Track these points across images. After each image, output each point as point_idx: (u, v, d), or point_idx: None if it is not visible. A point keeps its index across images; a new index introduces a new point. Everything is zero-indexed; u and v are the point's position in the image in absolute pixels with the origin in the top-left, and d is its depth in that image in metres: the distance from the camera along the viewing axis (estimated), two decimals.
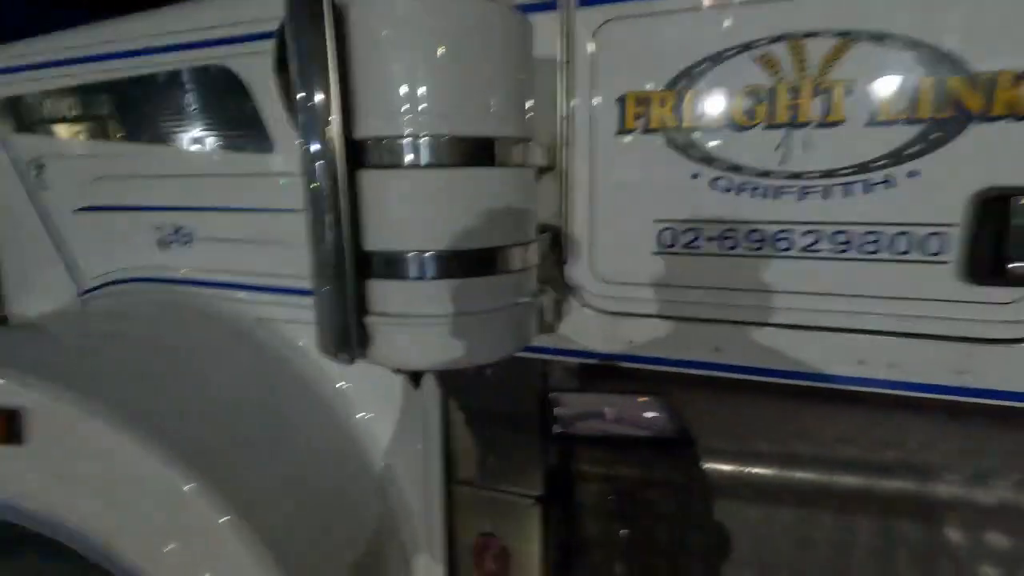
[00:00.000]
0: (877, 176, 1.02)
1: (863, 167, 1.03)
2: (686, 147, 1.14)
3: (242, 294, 1.59)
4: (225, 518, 1.14)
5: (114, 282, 1.73)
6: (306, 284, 1.51)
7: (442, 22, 0.88)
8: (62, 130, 1.77)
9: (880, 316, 1.06)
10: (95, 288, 1.76)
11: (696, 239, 1.17)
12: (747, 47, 1.07)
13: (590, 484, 1.08)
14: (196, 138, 1.57)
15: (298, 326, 1.56)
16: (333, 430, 1.53)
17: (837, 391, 1.11)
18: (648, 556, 1.08)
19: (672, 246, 1.19)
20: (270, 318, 1.58)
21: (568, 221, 1.23)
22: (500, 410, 1.43)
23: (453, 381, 1.44)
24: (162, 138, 1.61)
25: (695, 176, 1.14)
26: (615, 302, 1.24)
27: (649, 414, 1.11)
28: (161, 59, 1.56)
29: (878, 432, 1.06)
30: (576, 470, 1.10)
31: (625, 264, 1.22)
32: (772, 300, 1.13)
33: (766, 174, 1.09)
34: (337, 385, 1.57)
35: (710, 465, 1.01)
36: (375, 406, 1.56)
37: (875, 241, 1.05)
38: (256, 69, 1.42)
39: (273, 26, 1.37)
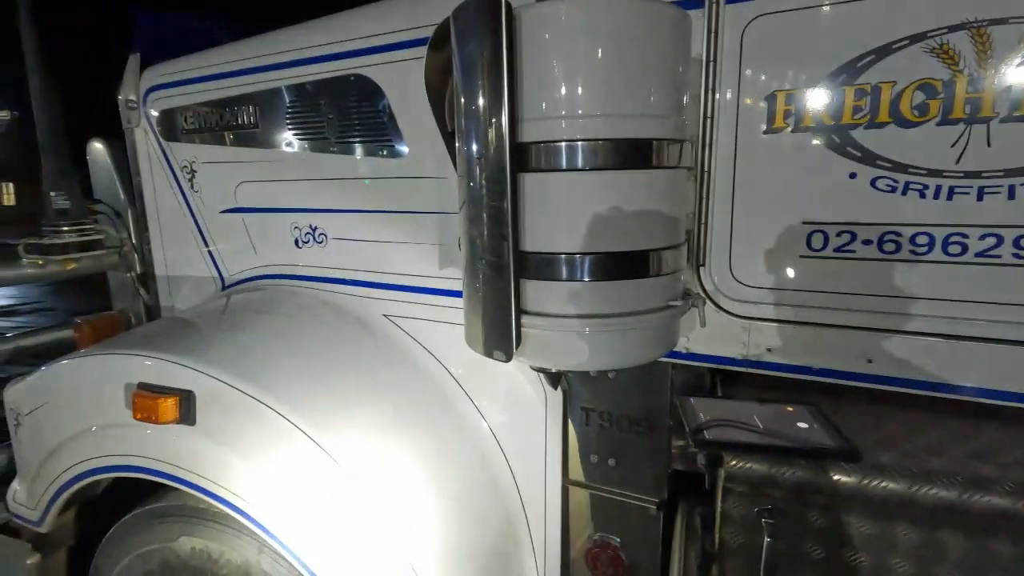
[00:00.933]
0: None
1: None
2: (843, 145, 1.08)
3: (370, 291, 1.68)
4: (367, 497, 1.21)
5: (254, 278, 1.88)
6: (428, 282, 1.60)
7: (606, 26, 0.89)
8: (211, 138, 1.94)
9: None
10: (237, 283, 1.92)
11: (851, 242, 1.10)
12: (920, 37, 1.00)
13: (733, 493, 1.04)
14: (332, 144, 1.67)
15: (420, 322, 1.63)
16: (453, 422, 1.58)
17: (1013, 409, 1.02)
18: (793, 570, 1.03)
19: (822, 249, 1.13)
20: (395, 314, 1.66)
21: (707, 223, 1.20)
22: (624, 413, 1.42)
23: (575, 381, 1.44)
24: (300, 144, 1.72)
25: (853, 176, 1.08)
26: (755, 307, 1.20)
27: (801, 424, 1.06)
28: (301, 71, 1.67)
29: None
30: (712, 477, 1.06)
31: (768, 268, 1.18)
32: (938, 309, 1.05)
33: (938, 173, 1.02)
34: (457, 380, 1.62)
35: (873, 482, 0.95)
36: (493, 401, 1.60)
37: None
38: (393, 77, 1.49)
39: (410, 36, 1.44)
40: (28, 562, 1.61)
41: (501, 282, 0.95)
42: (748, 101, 1.14)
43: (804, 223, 1.13)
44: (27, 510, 1.61)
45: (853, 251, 1.11)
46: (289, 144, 1.76)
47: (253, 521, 1.25)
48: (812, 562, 1.01)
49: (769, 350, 1.21)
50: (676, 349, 1.28)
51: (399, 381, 1.56)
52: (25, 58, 1.87)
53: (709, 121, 1.16)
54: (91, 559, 1.61)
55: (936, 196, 1.03)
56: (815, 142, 1.10)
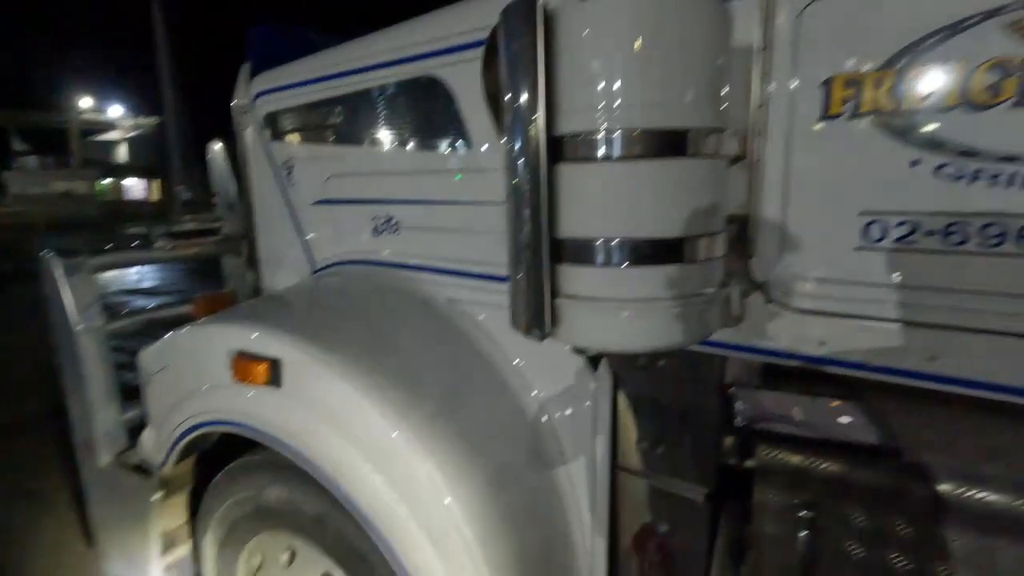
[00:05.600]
0: None
1: None
2: (905, 131, 1.03)
3: (437, 277, 1.81)
4: (427, 465, 1.33)
5: (339, 263, 2.08)
6: (491, 269, 1.69)
7: (640, 21, 0.92)
8: (306, 137, 2.17)
9: None
10: (325, 267, 2.13)
11: (912, 233, 1.05)
12: (995, 12, 0.93)
13: (768, 483, 1.04)
14: (408, 140, 1.81)
15: (482, 307, 1.73)
16: (509, 407, 1.67)
17: None
18: (832, 568, 1.01)
19: (881, 240, 1.08)
20: (458, 299, 1.78)
21: (758, 212, 1.19)
22: (673, 401, 1.43)
23: (625, 368, 1.47)
24: (380, 141, 1.88)
25: (915, 163, 1.03)
26: (807, 299, 1.17)
27: (844, 419, 1.03)
28: (382, 74, 1.83)
29: None
30: (757, 469, 1.06)
31: (821, 259, 1.14)
32: (1009, 306, 0.98)
33: (1012, 159, 0.95)
34: (514, 363, 1.71)
35: (916, 481, 0.91)
36: (548, 388, 1.67)
37: None
38: (461, 77, 1.59)
39: (475, 37, 1.54)
40: (152, 499, 1.91)
41: (537, 266, 1.01)
42: (803, 88, 1.11)
43: (861, 213, 1.09)
44: (153, 455, 1.92)
45: (915, 242, 1.05)
46: (370, 141, 1.93)
47: (324, 476, 1.41)
48: (850, 559, 0.99)
49: (822, 344, 1.17)
50: (725, 340, 1.28)
51: (460, 359, 1.67)
52: (159, 71, 2.19)
53: (762, 109, 1.15)
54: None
55: (1010, 183, 0.96)
56: (874, 129, 1.05)
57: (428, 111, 1.74)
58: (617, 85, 0.93)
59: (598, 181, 0.97)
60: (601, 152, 0.94)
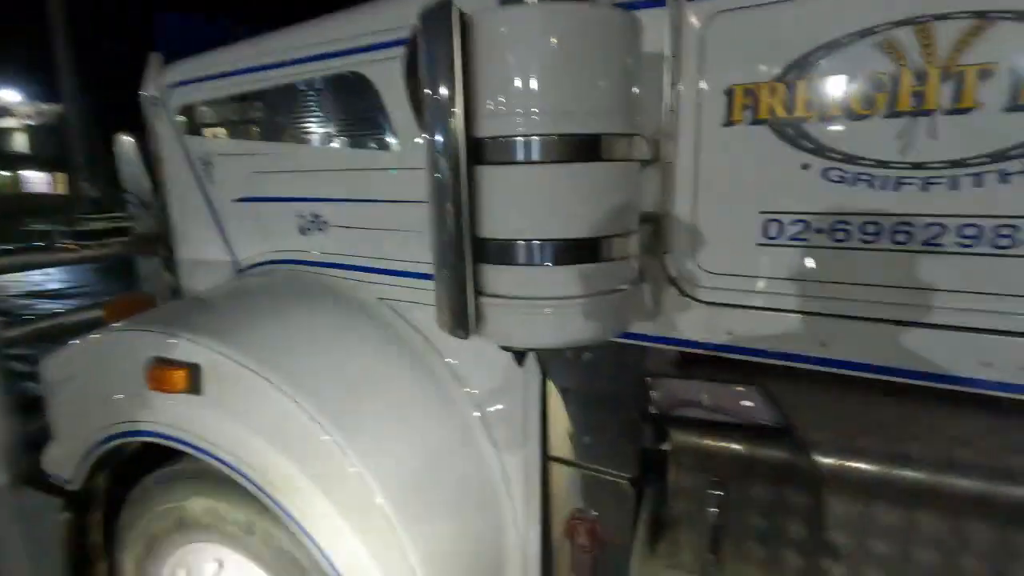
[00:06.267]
0: (1016, 165, 0.96)
1: (999, 155, 0.97)
2: (796, 137, 1.13)
3: (367, 276, 1.79)
4: (357, 467, 1.32)
5: (264, 263, 2.01)
6: (421, 268, 1.70)
7: (552, 31, 0.95)
8: (225, 132, 2.08)
9: (1013, 316, 1.00)
10: (249, 267, 2.06)
11: (804, 231, 1.15)
12: (868, 33, 1.03)
13: (681, 466, 1.11)
14: (331, 137, 1.78)
15: (413, 306, 1.73)
16: (441, 403, 1.68)
17: (951, 393, 1.06)
18: (739, 540, 1.10)
19: (778, 238, 1.18)
20: (389, 298, 1.77)
21: (671, 212, 1.26)
22: (597, 392, 1.49)
23: (553, 361, 1.52)
24: (304, 138, 1.84)
25: (805, 167, 1.13)
26: (716, 292, 1.26)
27: (746, 402, 1.12)
28: (305, 68, 1.78)
29: (998, 438, 1.00)
30: (669, 453, 1.14)
31: (728, 255, 1.23)
32: (886, 295, 1.10)
33: (884, 164, 1.06)
34: (446, 360, 1.72)
35: (807, 456, 1.01)
36: (480, 383, 1.69)
37: (1010, 235, 0.98)
38: (386, 74, 1.58)
39: (401, 35, 1.53)
40: (60, 517, 1.78)
41: (460, 266, 1.03)
42: (708, 95, 1.19)
43: (761, 212, 1.18)
44: (59, 469, 1.79)
45: (807, 239, 1.15)
46: (294, 137, 1.88)
47: (251, 482, 1.38)
48: (756, 533, 1.08)
49: (729, 333, 1.26)
50: (643, 332, 1.35)
51: (390, 356, 1.67)
52: (56, 58, 2.03)
53: (672, 114, 1.22)
54: None
55: (884, 187, 1.07)
56: (770, 134, 1.14)
57: (355, 108, 1.72)
58: (532, 91, 0.96)
59: (517, 183, 1.00)
60: (519, 155, 0.97)
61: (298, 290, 1.83)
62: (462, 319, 1.06)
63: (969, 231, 1.01)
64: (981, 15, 0.94)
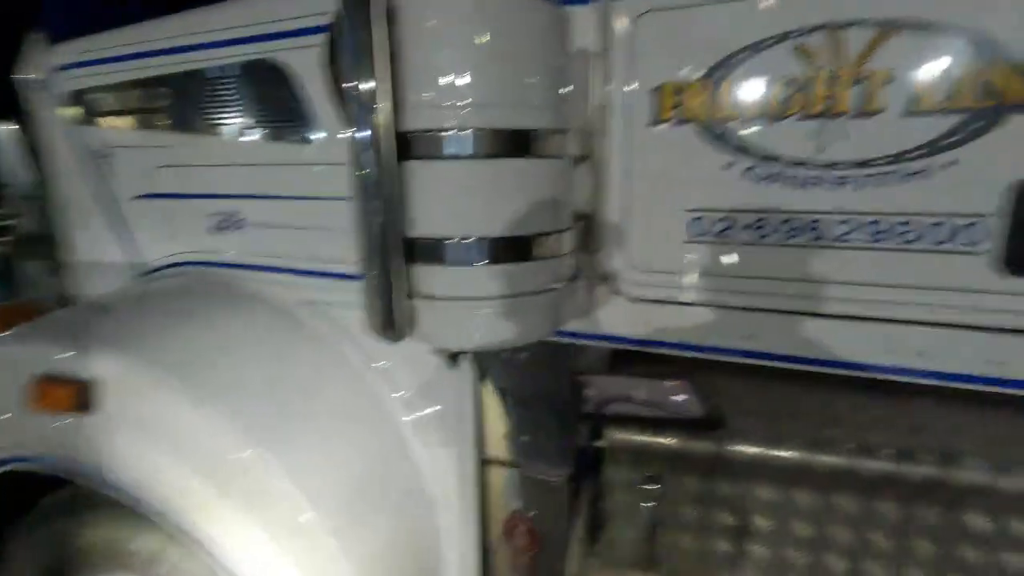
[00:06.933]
0: (915, 166, 1.03)
1: (900, 157, 1.04)
2: (720, 137, 1.16)
3: (289, 277, 1.68)
4: (282, 483, 1.23)
5: (171, 264, 1.85)
6: (348, 269, 1.61)
7: (482, 21, 0.92)
8: (124, 121, 1.88)
9: (913, 306, 1.07)
10: (155, 270, 1.88)
11: (728, 228, 1.19)
12: (785, 37, 1.08)
13: (616, 462, 1.12)
14: (248, 129, 1.65)
15: (339, 309, 1.64)
16: (371, 408, 1.61)
17: (866, 379, 1.13)
18: (673, 532, 1.12)
19: (704, 235, 1.21)
20: (314, 300, 1.67)
21: (602, 209, 1.26)
22: (532, 392, 1.48)
23: (487, 363, 1.49)
24: (216, 129, 1.70)
25: (729, 166, 1.16)
26: (647, 289, 1.27)
27: (677, 397, 1.14)
28: (215, 54, 1.64)
29: (906, 420, 1.07)
30: (604, 450, 1.14)
31: (657, 252, 1.25)
32: (804, 289, 1.15)
33: (801, 164, 1.11)
34: (375, 365, 1.65)
35: (734, 446, 1.04)
36: (410, 385, 1.64)
37: (910, 231, 1.05)
38: (305, 63, 1.49)
39: (321, 21, 1.44)
40: None
41: (388, 267, 0.98)
42: (637, 93, 1.20)
43: (688, 210, 1.21)
44: None
45: (731, 236, 1.19)
46: (205, 128, 1.73)
47: (157, 509, 1.25)
48: (689, 522, 1.10)
49: (660, 329, 1.29)
50: (577, 330, 1.35)
51: (315, 363, 1.58)
52: None
53: (601, 112, 1.22)
54: None
55: (800, 186, 1.12)
56: (696, 133, 1.17)
57: (274, 98, 1.60)
58: (463, 83, 0.93)
59: (447, 180, 0.96)
60: (449, 150, 0.93)
61: (211, 293, 1.69)
62: (392, 322, 1.00)
63: (875, 227, 1.08)
64: (885, 24, 1.00)
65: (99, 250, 1.97)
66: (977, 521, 0.90)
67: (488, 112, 0.95)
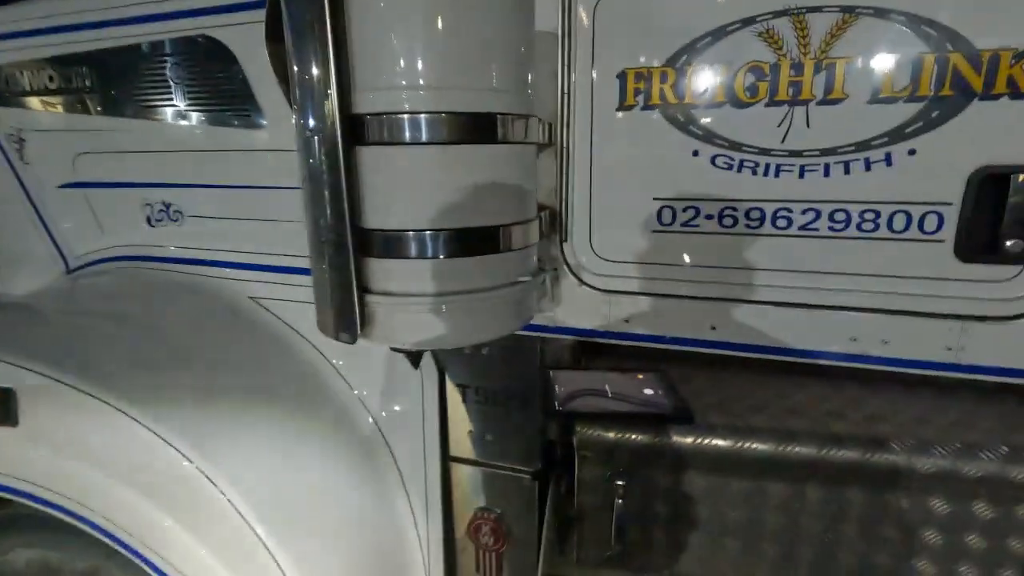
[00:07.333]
0: (877, 154, 1.03)
1: (863, 145, 1.03)
2: (686, 124, 1.13)
3: (234, 272, 1.57)
4: (223, 495, 1.15)
5: (102, 260, 1.70)
6: (299, 263, 1.52)
7: None
8: (42, 103, 1.71)
9: (875, 294, 1.08)
10: (83, 266, 1.73)
11: (695, 217, 1.17)
12: (750, 21, 1.05)
13: (587, 459, 1.09)
14: (184, 112, 1.52)
15: (290, 304, 1.55)
16: (328, 408, 1.54)
17: (830, 367, 1.13)
18: (643, 528, 1.10)
19: (671, 224, 1.18)
20: (263, 296, 1.57)
21: (567, 199, 1.22)
22: (498, 387, 1.43)
23: (450, 359, 1.44)
24: (149, 112, 1.56)
25: (695, 153, 1.14)
26: (613, 280, 1.24)
27: (647, 390, 1.12)
28: (143, 28, 1.51)
29: (869, 408, 1.08)
30: (573, 446, 1.11)
31: (624, 242, 1.22)
32: (769, 279, 1.14)
33: (767, 152, 1.09)
34: (332, 362, 1.57)
35: (705, 440, 1.02)
36: (370, 383, 1.57)
37: (873, 219, 1.05)
38: (245, 40, 1.38)
39: None
40: None
41: (342, 262, 0.91)
42: (601, 78, 1.15)
43: (655, 199, 1.18)
44: None
45: (698, 225, 1.17)
46: (136, 111, 1.59)
47: (92, 525, 1.15)
48: (661, 519, 1.08)
49: (626, 321, 1.26)
50: (543, 323, 1.31)
51: (265, 365, 1.49)
52: None
53: (566, 97, 1.17)
54: None
55: (766, 174, 1.10)
56: (662, 120, 1.13)
57: (210, 78, 1.48)
58: (417, 64, 0.86)
59: (403, 167, 0.90)
60: (405, 135, 0.87)
61: (147, 291, 1.56)
62: (347, 321, 0.93)
63: (839, 216, 1.08)
64: (849, 10, 0.99)
65: (18, 245, 1.80)
66: (941, 506, 0.92)
67: (447, 94, 0.88)
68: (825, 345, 1.14)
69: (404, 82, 0.87)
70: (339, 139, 0.85)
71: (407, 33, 0.84)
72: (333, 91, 0.83)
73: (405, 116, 0.87)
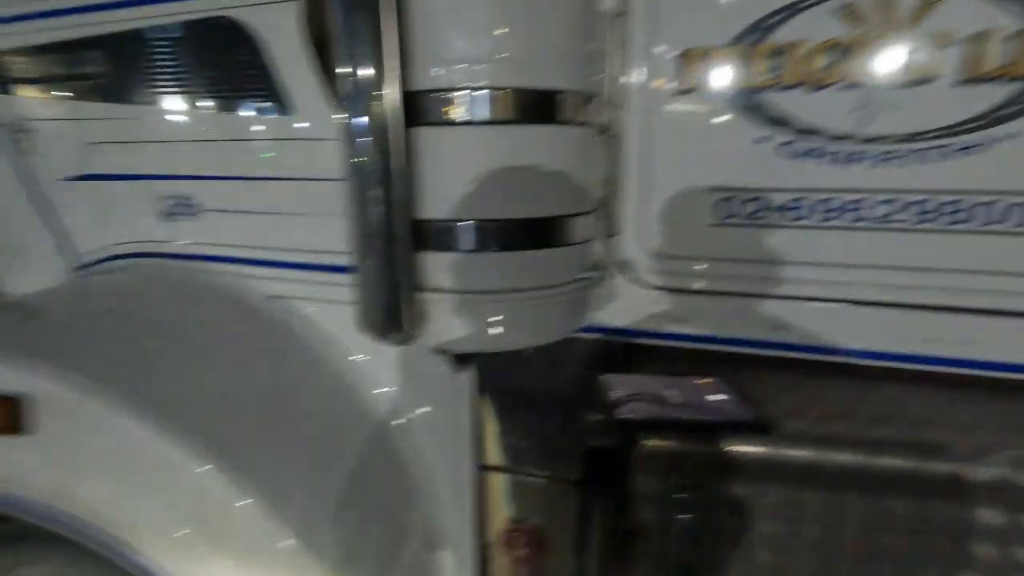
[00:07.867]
0: (968, 140, 0.95)
1: (951, 130, 0.95)
2: (751, 109, 1.05)
3: (253, 270, 1.49)
4: (243, 501, 1.06)
5: (113, 257, 1.61)
6: (322, 259, 1.43)
7: None
8: (48, 90, 1.62)
9: (961, 292, 1.00)
10: (94, 263, 1.64)
11: (759, 209, 1.09)
12: None
13: (646, 470, 1.01)
14: (203, 99, 1.43)
15: (311, 304, 1.47)
16: (350, 409, 1.45)
17: (909, 371, 1.06)
18: (700, 544, 1.02)
19: (732, 217, 1.10)
20: (282, 295, 1.49)
21: (619, 190, 1.14)
22: (535, 391, 1.35)
23: (486, 359, 1.36)
24: (163, 100, 1.47)
25: (760, 141, 1.06)
26: (666, 277, 1.16)
27: (711, 396, 1.04)
28: (158, 10, 1.42)
29: (953, 414, 1.00)
30: (626, 455, 1.03)
31: (679, 237, 1.14)
32: (841, 275, 1.06)
33: (842, 138, 1.01)
34: (358, 363, 1.49)
35: (783, 451, 0.94)
36: (397, 382, 1.48)
37: (961, 211, 0.97)
38: (269, 21, 1.29)
39: None
40: None
41: (394, 256, 0.82)
42: (659, 60, 1.07)
43: (713, 190, 1.10)
44: None
45: (761, 218, 1.09)
46: (150, 98, 1.50)
47: (104, 544, 1.06)
48: (728, 534, 1.01)
49: (681, 321, 1.18)
50: (590, 323, 1.23)
51: (288, 370, 1.40)
52: None
53: (621, 80, 1.09)
54: None
55: (840, 162, 1.02)
56: (724, 105, 1.06)
57: (229, 63, 1.39)
58: (479, 36, 0.78)
59: (465, 149, 0.81)
60: (468, 114, 0.78)
61: (162, 290, 1.48)
62: (395, 320, 0.85)
63: (921, 207, 1.00)
64: None
65: (24, 241, 1.71)
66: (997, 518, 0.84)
67: (509, 69, 0.80)
68: (901, 347, 1.06)
69: (461, 55, 0.78)
70: (396, 119, 0.77)
71: (473, 4, 0.76)
72: (395, 65, 0.75)
73: (462, 93, 0.79)
